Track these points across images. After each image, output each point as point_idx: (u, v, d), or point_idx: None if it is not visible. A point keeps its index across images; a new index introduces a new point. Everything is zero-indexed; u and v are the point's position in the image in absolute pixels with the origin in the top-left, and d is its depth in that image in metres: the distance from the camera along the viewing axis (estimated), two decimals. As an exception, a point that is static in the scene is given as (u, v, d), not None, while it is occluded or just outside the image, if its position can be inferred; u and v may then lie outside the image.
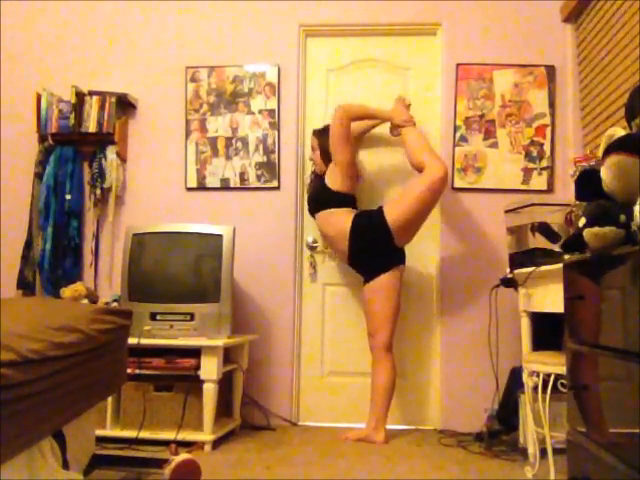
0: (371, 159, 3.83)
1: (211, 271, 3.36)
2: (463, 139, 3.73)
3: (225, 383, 3.34)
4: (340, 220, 3.39)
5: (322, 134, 3.56)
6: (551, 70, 3.70)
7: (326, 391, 3.75)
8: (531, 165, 3.68)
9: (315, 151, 3.61)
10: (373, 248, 3.35)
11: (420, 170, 3.36)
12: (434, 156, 3.39)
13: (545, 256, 2.69)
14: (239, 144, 3.85)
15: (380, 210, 3.35)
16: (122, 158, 3.89)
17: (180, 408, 3.15)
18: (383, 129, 3.71)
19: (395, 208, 3.32)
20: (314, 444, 3.23)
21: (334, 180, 3.44)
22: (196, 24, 3.94)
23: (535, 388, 2.55)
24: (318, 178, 3.59)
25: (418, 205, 3.28)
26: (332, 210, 3.43)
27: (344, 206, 3.43)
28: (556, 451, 2.42)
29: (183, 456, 2.43)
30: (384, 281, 3.32)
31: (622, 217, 1.69)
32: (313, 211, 3.58)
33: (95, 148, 3.85)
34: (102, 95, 3.81)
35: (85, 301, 3.45)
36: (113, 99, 3.81)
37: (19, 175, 3.92)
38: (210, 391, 3.10)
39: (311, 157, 3.70)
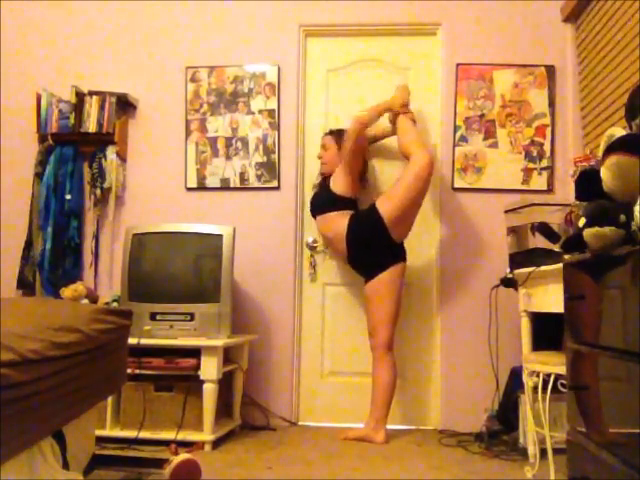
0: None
1: (211, 271, 3.36)
2: (463, 139, 3.73)
3: (225, 383, 3.33)
4: (337, 223, 3.41)
5: (340, 135, 3.54)
6: (551, 70, 3.70)
7: (326, 391, 3.75)
8: (531, 165, 3.68)
9: (327, 150, 3.60)
10: (371, 246, 3.36)
11: (408, 159, 3.40)
12: (420, 145, 3.43)
13: (545, 256, 2.69)
14: (239, 144, 3.85)
15: (373, 206, 3.36)
16: (122, 158, 3.88)
17: (180, 408, 3.15)
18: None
19: (387, 202, 3.34)
20: (314, 444, 3.23)
21: (341, 185, 3.45)
22: (196, 24, 3.94)
23: (535, 388, 2.55)
24: (325, 180, 3.58)
25: (408, 195, 3.31)
26: (331, 214, 3.44)
27: (344, 209, 3.43)
28: (556, 451, 2.42)
29: (183, 456, 2.43)
30: (383, 280, 3.33)
31: (622, 217, 1.69)
32: (314, 213, 3.59)
33: (95, 148, 3.85)
34: (102, 95, 3.81)
35: (85, 301, 3.45)
36: (113, 99, 3.80)
37: (19, 175, 3.92)
38: (210, 391, 3.10)
39: (320, 156, 3.64)
